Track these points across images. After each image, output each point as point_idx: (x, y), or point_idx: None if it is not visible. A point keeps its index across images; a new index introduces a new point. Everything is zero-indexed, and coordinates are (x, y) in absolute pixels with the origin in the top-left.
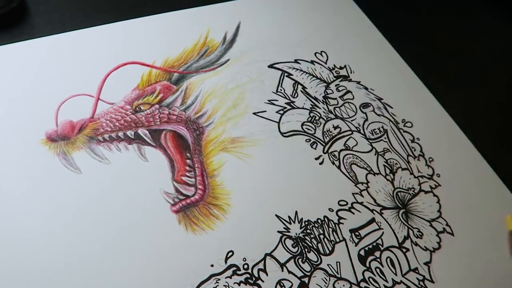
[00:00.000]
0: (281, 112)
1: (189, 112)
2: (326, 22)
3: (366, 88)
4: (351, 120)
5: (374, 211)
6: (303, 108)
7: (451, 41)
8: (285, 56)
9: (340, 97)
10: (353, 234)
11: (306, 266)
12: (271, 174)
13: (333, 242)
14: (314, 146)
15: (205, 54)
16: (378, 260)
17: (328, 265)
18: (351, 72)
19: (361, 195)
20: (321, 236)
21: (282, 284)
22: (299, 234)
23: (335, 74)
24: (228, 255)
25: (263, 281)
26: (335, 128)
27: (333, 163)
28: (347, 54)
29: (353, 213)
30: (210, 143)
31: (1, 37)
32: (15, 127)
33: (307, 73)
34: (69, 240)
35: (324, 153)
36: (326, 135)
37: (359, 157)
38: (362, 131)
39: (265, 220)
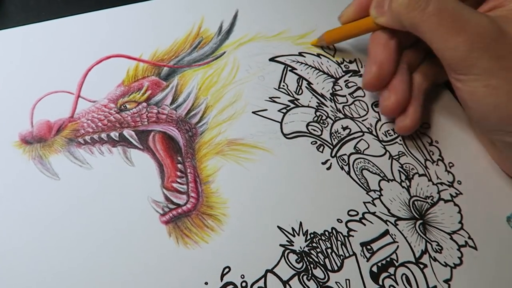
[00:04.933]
0: (284, 111)
1: (181, 111)
2: (334, 11)
3: None
4: (362, 120)
5: (388, 222)
6: (308, 106)
7: None
8: (288, 49)
9: (349, 94)
10: (364, 248)
11: (312, 284)
12: (273, 181)
13: (342, 257)
14: (320, 149)
15: (199, 46)
16: (393, 277)
17: (336, 282)
18: (361, 67)
19: (374, 204)
20: (329, 250)
21: None
22: (304, 248)
23: (344, 69)
24: (224, 272)
25: None
26: (344, 129)
27: (342, 168)
28: (358, 47)
29: (365, 225)
30: (204, 146)
31: None
32: None
33: (312, 67)
34: (45, 254)
35: (332, 157)
36: (334, 137)
37: (371, 162)
38: (374, 133)
39: (265, 232)
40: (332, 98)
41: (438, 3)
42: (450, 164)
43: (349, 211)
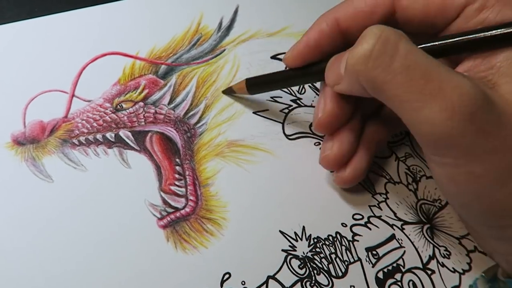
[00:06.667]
0: (286, 111)
1: (179, 111)
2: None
3: None
4: None
5: (394, 227)
6: (311, 106)
7: None
8: (291, 45)
9: None
10: (369, 253)
11: None
12: (274, 183)
13: (346, 263)
14: None
15: (198, 43)
16: (399, 283)
17: None
18: None
19: (379, 207)
20: (333, 256)
21: None
22: (307, 253)
23: None
24: (224, 278)
25: None
26: None
27: None
28: None
29: (370, 229)
30: (204, 147)
31: None
32: None
33: None
34: (38, 260)
35: None
36: None
37: (377, 163)
38: None
39: (267, 236)
40: None
41: (406, 58)
42: None
43: (354, 215)
